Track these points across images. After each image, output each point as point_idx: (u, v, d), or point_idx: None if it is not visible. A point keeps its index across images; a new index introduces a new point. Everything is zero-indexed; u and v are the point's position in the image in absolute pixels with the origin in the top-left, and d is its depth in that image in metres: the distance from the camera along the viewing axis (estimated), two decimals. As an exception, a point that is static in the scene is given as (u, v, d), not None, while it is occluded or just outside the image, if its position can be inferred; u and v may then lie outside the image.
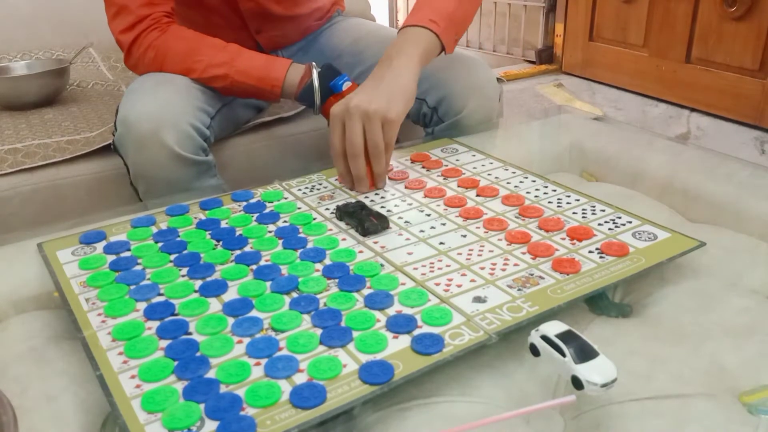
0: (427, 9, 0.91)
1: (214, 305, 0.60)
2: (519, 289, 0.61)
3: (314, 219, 0.75)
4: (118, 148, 0.95)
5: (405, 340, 0.54)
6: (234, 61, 0.98)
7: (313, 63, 0.98)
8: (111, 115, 1.20)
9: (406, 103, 0.82)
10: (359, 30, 1.20)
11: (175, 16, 1.02)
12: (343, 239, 0.71)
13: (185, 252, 0.69)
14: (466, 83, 1.02)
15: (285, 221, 0.75)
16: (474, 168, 0.87)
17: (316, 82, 0.95)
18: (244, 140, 1.17)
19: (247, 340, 0.55)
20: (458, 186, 0.82)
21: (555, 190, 0.80)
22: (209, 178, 0.96)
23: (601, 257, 0.66)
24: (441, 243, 0.69)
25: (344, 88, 0.95)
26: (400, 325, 0.56)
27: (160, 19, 0.99)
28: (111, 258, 0.68)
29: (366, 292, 0.61)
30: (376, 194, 0.81)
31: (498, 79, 1.34)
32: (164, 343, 0.55)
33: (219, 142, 1.12)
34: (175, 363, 0.53)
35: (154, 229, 0.74)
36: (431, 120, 1.06)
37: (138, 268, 0.67)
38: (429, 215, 0.75)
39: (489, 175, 0.85)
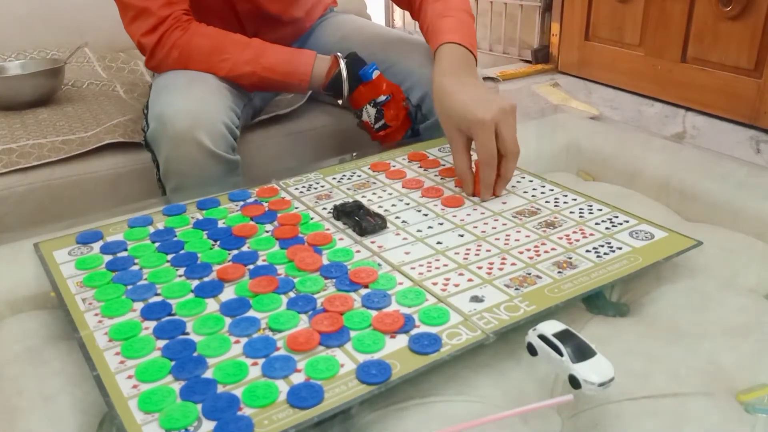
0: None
1: (212, 305, 0.60)
2: (516, 289, 0.61)
3: (311, 218, 0.75)
4: (151, 143, 0.95)
5: (402, 340, 0.54)
6: (260, 58, 0.98)
7: (338, 53, 0.99)
8: (106, 115, 1.19)
9: None
10: (347, 27, 1.20)
11: (192, 14, 1.02)
12: (341, 239, 0.71)
13: (182, 252, 0.69)
14: None
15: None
16: (471, 167, 0.87)
17: (344, 72, 0.97)
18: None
19: (244, 340, 0.55)
20: (456, 186, 0.82)
21: (552, 190, 0.81)
22: (235, 176, 0.96)
23: (598, 256, 0.66)
24: (438, 242, 0.69)
25: (374, 76, 0.97)
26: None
27: (181, 18, 0.99)
28: (108, 258, 0.68)
29: (363, 291, 0.61)
30: (374, 194, 0.81)
31: (493, 79, 1.34)
32: (161, 343, 0.55)
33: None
34: (172, 363, 0.52)
35: (151, 229, 0.74)
36: (416, 118, 1.06)
37: (135, 268, 0.67)
38: (426, 215, 0.75)
39: (486, 174, 0.85)
